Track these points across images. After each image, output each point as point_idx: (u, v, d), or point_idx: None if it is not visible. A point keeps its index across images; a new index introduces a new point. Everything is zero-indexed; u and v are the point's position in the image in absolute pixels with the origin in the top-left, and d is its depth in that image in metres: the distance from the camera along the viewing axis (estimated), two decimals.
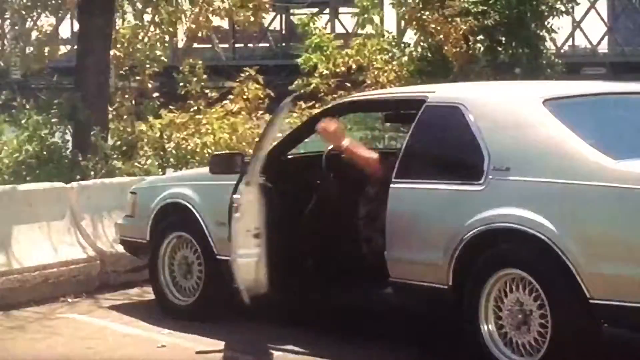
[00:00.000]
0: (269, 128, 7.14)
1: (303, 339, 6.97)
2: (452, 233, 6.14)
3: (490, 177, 6.07)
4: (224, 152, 11.17)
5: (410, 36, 15.62)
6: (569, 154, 5.87)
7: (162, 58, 15.25)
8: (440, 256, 6.20)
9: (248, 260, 6.79)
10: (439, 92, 6.91)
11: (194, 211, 7.71)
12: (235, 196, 6.82)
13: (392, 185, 6.59)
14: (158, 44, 15.57)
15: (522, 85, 8.23)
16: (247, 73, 14.00)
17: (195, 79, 14.09)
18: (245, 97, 13.80)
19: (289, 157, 7.79)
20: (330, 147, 7.66)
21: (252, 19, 14.99)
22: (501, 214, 5.94)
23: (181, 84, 14.17)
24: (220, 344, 7.04)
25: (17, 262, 8.45)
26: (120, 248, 8.74)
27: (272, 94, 13.15)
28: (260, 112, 13.69)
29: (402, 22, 15.98)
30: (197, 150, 12.79)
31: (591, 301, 5.61)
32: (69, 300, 8.52)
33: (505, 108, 6.44)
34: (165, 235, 7.98)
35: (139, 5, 15.53)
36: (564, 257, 5.65)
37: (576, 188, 5.74)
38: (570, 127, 6.01)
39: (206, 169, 7.77)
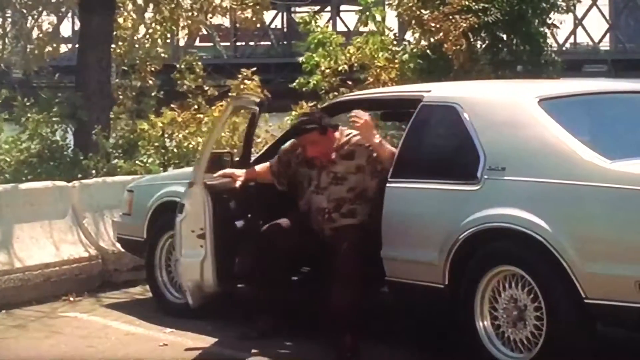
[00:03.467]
0: (215, 128, 7.20)
1: (302, 335, 7.04)
2: (448, 232, 6.18)
3: (486, 176, 6.10)
4: (214, 150, 11.26)
5: (411, 34, 15.61)
6: (564, 154, 5.89)
7: (163, 55, 15.29)
8: (436, 256, 6.23)
9: (193, 261, 6.84)
10: (435, 92, 6.92)
11: None
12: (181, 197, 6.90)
13: (387, 184, 6.63)
14: (159, 40, 15.61)
15: (517, 85, 8.24)
16: (244, 74, 14.01)
17: (192, 75, 14.12)
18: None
19: None
20: None
21: (252, 17, 15.01)
22: (497, 214, 5.97)
23: (178, 81, 14.19)
24: (221, 342, 7.11)
25: (19, 261, 8.50)
26: None
27: (268, 94, 13.15)
28: None
29: (401, 21, 15.94)
30: (199, 148, 12.80)
31: (586, 301, 5.64)
32: (71, 299, 8.56)
33: (501, 108, 6.46)
34: (161, 234, 8.03)
35: (140, 1, 15.56)
36: (559, 257, 5.68)
37: (571, 188, 5.76)
38: (565, 127, 6.03)
39: None
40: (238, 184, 7.13)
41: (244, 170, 7.25)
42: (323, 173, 6.98)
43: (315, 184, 7.01)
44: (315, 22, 15.27)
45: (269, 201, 7.24)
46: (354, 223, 6.88)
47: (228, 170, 7.30)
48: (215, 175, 7.20)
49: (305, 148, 7.05)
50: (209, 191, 6.94)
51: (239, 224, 7.15)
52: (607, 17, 48.59)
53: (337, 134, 7.04)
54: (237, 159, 7.56)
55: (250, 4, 14.94)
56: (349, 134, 7.04)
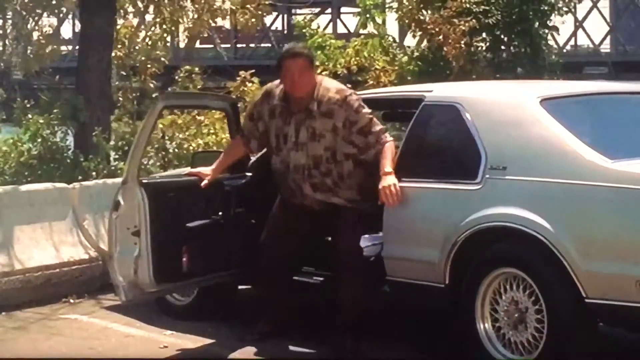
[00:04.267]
0: (146, 125, 7.16)
1: (302, 337, 7.02)
2: (448, 232, 6.17)
3: (487, 176, 6.10)
4: (206, 150, 11.31)
5: (411, 37, 15.65)
6: (566, 154, 5.88)
7: (163, 59, 15.28)
8: (437, 255, 6.23)
9: (126, 257, 6.78)
10: (437, 91, 6.92)
11: None
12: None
13: None
14: (159, 43, 15.60)
15: (519, 85, 8.25)
16: (243, 76, 14.02)
17: (191, 85, 14.10)
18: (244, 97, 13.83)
19: None
20: None
21: (252, 21, 15.01)
22: (497, 213, 5.96)
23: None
24: (221, 344, 7.09)
25: (19, 263, 8.47)
26: None
27: None
28: None
29: (401, 24, 15.98)
30: (199, 150, 12.80)
31: (587, 300, 5.64)
32: (71, 300, 8.53)
33: (502, 107, 6.45)
34: None
35: (140, 5, 15.55)
36: (560, 257, 5.67)
37: (572, 188, 5.76)
38: (566, 127, 6.02)
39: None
40: (204, 182, 7.07)
41: (210, 168, 7.16)
42: (302, 128, 6.75)
43: (293, 140, 6.79)
44: (310, 26, 15.31)
45: (261, 197, 7.20)
46: (348, 199, 6.79)
47: (194, 170, 7.28)
48: (183, 174, 7.19)
49: (293, 76, 6.70)
50: (144, 189, 6.84)
51: (197, 223, 6.99)
52: (608, 20, 48.56)
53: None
54: None
55: (252, 7, 14.93)
56: (324, 88, 6.78)
